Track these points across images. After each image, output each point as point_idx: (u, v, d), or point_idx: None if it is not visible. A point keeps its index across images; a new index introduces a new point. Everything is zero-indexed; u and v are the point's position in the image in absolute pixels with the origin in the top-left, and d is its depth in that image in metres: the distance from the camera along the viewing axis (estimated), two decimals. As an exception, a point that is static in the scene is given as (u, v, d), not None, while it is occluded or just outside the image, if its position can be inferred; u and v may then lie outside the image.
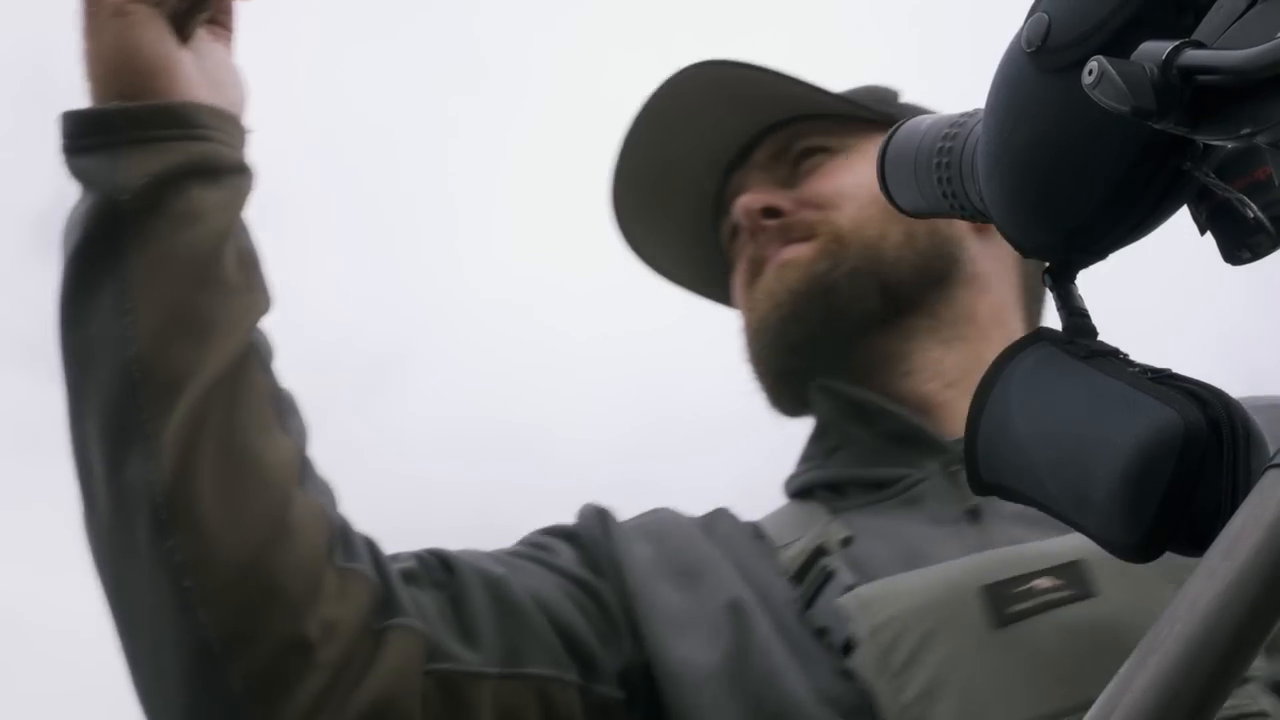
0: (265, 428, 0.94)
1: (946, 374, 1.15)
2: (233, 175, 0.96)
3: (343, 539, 0.97)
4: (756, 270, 1.18)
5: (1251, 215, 0.59)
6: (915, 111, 1.18)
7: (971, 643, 0.89)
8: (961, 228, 1.17)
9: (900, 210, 0.82)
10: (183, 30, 0.97)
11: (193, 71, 0.97)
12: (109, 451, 0.91)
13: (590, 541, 1.08)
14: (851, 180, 1.16)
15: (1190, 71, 0.54)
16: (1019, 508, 0.97)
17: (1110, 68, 0.56)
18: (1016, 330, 1.18)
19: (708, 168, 1.23)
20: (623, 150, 1.23)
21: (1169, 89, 0.55)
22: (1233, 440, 0.57)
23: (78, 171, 0.94)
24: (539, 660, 0.99)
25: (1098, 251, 0.68)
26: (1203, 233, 0.65)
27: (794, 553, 1.05)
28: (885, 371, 1.16)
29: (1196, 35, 0.56)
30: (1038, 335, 0.68)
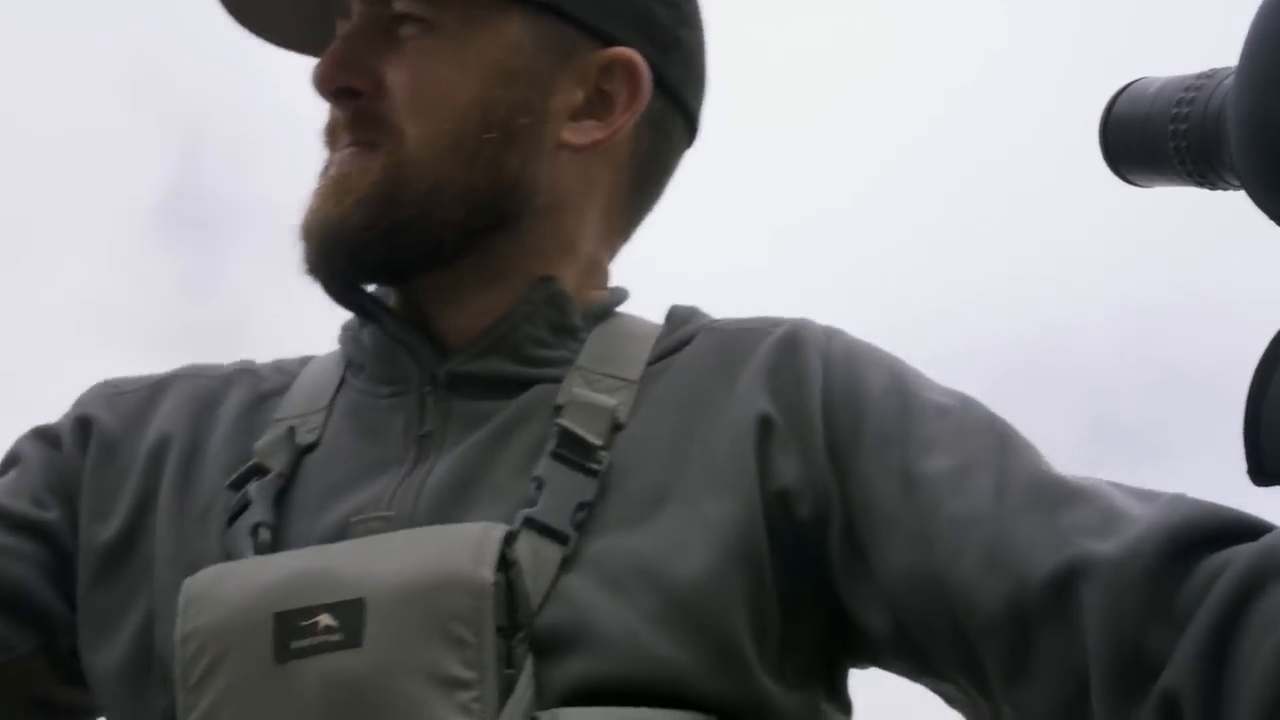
0: None
1: (484, 307, 1.06)
2: None
3: None
4: (331, 141, 1.08)
5: None
6: None
7: (254, 674, 0.89)
8: (545, 150, 1.05)
9: (1125, 180, 0.78)
10: None
11: None
12: None
13: (65, 458, 1.09)
14: (430, 85, 1.03)
15: None
16: (475, 440, 0.99)
17: None
18: (588, 253, 1.09)
19: None
20: None
21: None
22: None
23: None
24: None
25: None
26: None
27: (261, 444, 1.04)
28: (425, 302, 1.07)
29: None
30: None
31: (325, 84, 1.05)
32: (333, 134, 1.07)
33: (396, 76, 1.03)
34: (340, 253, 1.02)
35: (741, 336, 1.04)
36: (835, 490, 0.94)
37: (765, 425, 0.96)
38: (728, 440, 0.96)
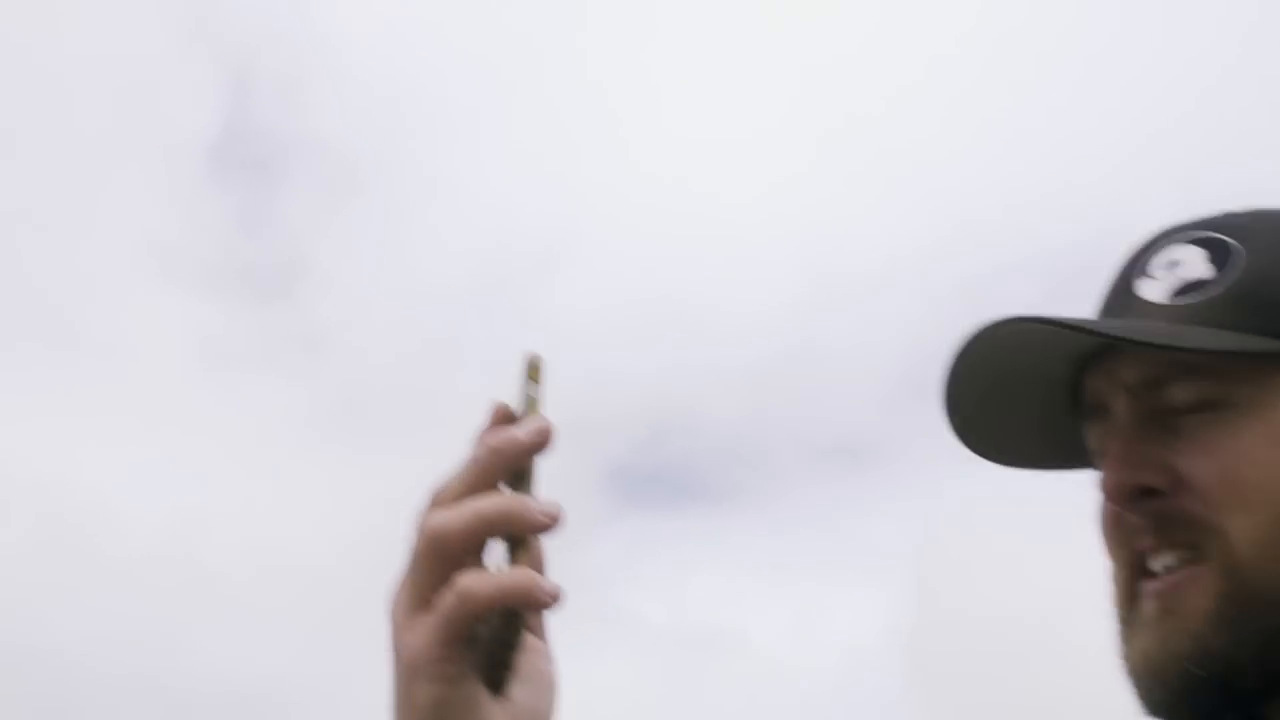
0: None
1: None
2: None
3: None
4: (1123, 557, 1.00)
5: None
6: None
7: None
8: None
9: None
10: (497, 679, 0.91)
11: None
12: None
13: None
14: (1244, 470, 0.95)
15: None
16: None
17: None
18: None
19: (1060, 360, 1.03)
20: (960, 352, 1.02)
21: None
22: None
23: None
24: None
25: None
26: None
27: None
28: None
29: None
30: None
31: (1121, 490, 0.98)
32: (1122, 545, 1.00)
33: (1196, 467, 0.96)
34: (1206, 686, 0.94)
35: None
36: None
37: None
38: None
